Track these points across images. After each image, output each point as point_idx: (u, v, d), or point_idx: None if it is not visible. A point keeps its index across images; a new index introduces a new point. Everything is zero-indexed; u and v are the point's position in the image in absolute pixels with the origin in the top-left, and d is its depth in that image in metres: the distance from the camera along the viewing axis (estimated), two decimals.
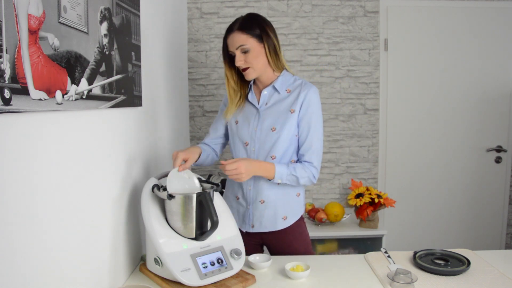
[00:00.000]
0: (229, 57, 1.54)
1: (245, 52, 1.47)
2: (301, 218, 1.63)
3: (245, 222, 1.59)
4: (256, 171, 1.45)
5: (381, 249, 1.53)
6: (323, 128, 1.56)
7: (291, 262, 1.36)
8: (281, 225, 1.57)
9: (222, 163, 1.41)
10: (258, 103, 1.57)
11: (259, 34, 1.48)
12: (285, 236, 1.59)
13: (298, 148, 1.55)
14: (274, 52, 1.51)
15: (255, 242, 1.62)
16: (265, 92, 1.56)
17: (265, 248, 1.70)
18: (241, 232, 1.56)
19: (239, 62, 1.48)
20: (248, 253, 1.48)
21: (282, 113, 1.52)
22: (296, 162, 1.56)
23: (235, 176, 1.41)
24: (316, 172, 1.52)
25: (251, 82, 1.60)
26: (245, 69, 1.50)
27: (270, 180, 1.50)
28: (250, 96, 1.58)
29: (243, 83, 1.60)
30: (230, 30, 1.50)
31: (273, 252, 1.63)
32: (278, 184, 1.53)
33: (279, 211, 1.56)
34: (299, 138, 1.55)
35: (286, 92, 1.55)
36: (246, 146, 1.56)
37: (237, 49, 1.47)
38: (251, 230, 1.59)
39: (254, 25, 1.48)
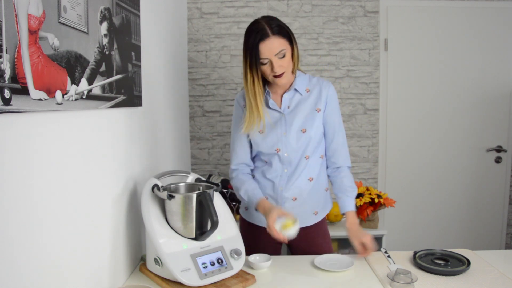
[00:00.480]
0: (259, 66, 1.42)
1: (282, 56, 1.40)
2: (325, 216, 1.65)
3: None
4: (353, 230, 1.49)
5: (381, 249, 1.53)
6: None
7: (280, 220, 1.37)
8: (312, 220, 1.58)
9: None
10: (280, 108, 1.53)
11: (290, 37, 1.44)
12: (309, 233, 1.58)
13: (325, 142, 1.58)
14: (297, 54, 1.49)
15: (277, 241, 1.58)
16: (286, 95, 1.52)
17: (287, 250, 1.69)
18: (266, 232, 1.51)
19: (279, 68, 1.40)
20: (266, 251, 1.48)
21: (309, 113, 1.51)
22: (335, 172, 1.59)
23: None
24: (349, 172, 1.59)
25: (267, 89, 1.54)
26: (280, 75, 1.43)
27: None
28: (270, 103, 1.53)
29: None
30: (265, 36, 1.38)
31: (295, 251, 1.63)
32: (311, 180, 1.55)
33: (311, 206, 1.57)
34: (326, 133, 1.56)
35: (306, 92, 1.53)
36: (278, 152, 1.52)
37: (275, 55, 1.39)
38: None
39: (284, 28, 1.43)
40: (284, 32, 1.42)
